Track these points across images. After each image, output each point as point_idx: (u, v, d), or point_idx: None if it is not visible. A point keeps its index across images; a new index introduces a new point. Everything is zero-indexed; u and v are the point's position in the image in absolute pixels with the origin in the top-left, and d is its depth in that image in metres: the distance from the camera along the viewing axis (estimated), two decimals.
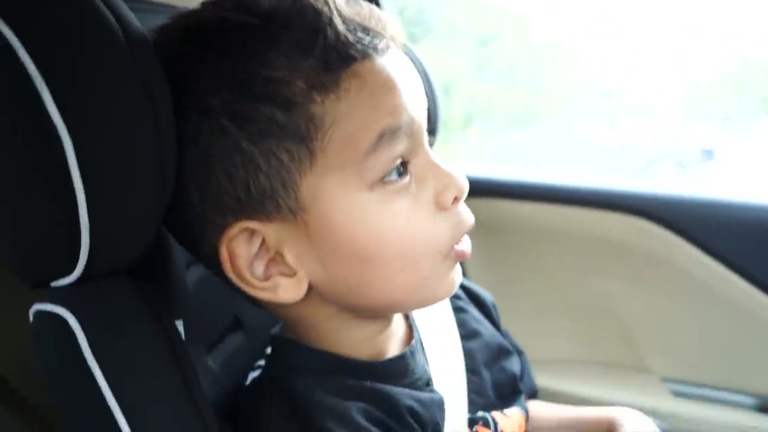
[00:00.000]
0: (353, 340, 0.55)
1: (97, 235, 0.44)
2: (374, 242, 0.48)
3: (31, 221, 0.45)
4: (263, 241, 0.49)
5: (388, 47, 0.49)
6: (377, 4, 1.23)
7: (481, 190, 1.18)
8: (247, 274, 0.49)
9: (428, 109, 0.83)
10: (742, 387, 1.05)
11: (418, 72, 0.82)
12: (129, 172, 0.45)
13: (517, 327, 0.90)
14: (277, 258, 0.50)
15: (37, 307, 0.48)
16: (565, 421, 0.74)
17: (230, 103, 0.46)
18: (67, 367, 0.47)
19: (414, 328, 0.63)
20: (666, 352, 1.10)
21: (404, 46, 0.83)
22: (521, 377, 0.72)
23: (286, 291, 0.50)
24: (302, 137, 0.46)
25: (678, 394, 1.08)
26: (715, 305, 1.06)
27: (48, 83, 0.41)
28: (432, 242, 0.49)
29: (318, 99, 0.46)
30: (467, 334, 0.67)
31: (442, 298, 0.54)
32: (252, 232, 0.49)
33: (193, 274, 0.67)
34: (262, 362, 0.62)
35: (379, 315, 0.55)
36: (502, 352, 0.70)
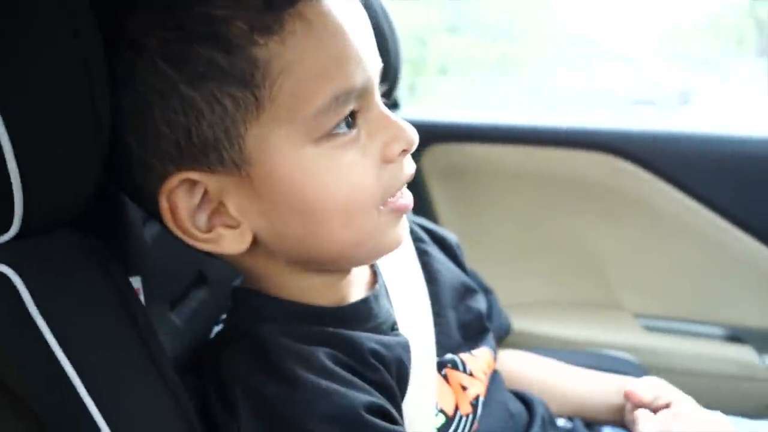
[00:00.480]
0: (312, 288, 0.55)
1: (31, 188, 0.43)
2: (317, 197, 0.48)
3: None
4: (206, 192, 0.48)
5: None
6: None
7: (451, 134, 1.17)
8: (188, 226, 0.48)
9: (390, 58, 0.81)
10: (713, 318, 1.07)
11: (382, 20, 0.80)
12: (59, 118, 0.43)
13: (490, 270, 0.90)
14: (220, 209, 0.49)
15: None
16: (572, 385, 0.75)
17: (166, 43, 0.44)
18: (15, 325, 0.45)
19: (378, 274, 0.62)
20: (638, 288, 1.11)
21: None
22: (490, 316, 0.73)
23: (230, 243, 0.49)
24: (247, 83, 0.44)
25: (651, 329, 1.09)
26: (686, 239, 1.07)
27: None
28: (371, 195, 0.49)
29: (260, 41, 0.44)
30: (431, 276, 0.67)
31: (388, 252, 0.54)
32: (194, 183, 0.47)
33: (152, 229, 0.65)
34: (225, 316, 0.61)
35: (328, 269, 0.55)
36: (466, 292, 0.70)
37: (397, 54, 0.81)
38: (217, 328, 0.62)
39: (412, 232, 0.70)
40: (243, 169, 0.47)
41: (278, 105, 0.45)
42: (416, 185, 1.18)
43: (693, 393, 1.00)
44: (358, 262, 0.56)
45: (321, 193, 0.48)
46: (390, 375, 0.54)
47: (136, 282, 0.58)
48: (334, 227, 0.49)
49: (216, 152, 0.46)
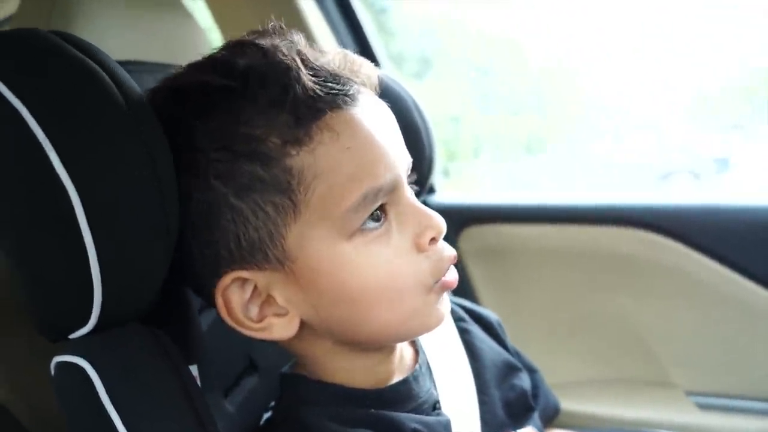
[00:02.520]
0: (355, 370, 0.57)
1: (109, 288, 0.47)
2: (357, 287, 0.52)
3: (44, 277, 0.48)
4: (255, 287, 0.53)
5: (359, 93, 0.52)
6: (367, 48, 1.27)
7: (486, 216, 1.20)
8: (241, 317, 0.53)
9: (424, 150, 0.85)
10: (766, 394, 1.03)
11: (414, 114, 0.85)
12: (136, 227, 0.48)
13: (533, 350, 0.90)
14: (269, 300, 0.53)
15: (58, 359, 0.50)
16: None
17: (215, 162, 0.49)
18: (88, 415, 0.49)
19: (420, 352, 0.64)
20: (687, 364, 1.09)
21: (393, 85, 0.86)
22: (536, 395, 0.73)
23: (279, 330, 0.54)
24: (284, 190, 0.49)
25: (704, 407, 1.06)
26: (732, 312, 1.05)
27: (55, 146, 0.44)
28: (413, 280, 0.52)
29: (293, 152, 0.49)
30: (473, 354, 0.69)
31: (433, 328, 0.56)
32: (244, 280, 0.52)
33: (206, 319, 0.69)
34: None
35: (375, 347, 0.57)
36: (510, 370, 0.71)
37: (431, 145, 0.86)
38: (266, 415, 0.64)
39: (453, 312, 0.72)
40: (286, 266, 0.52)
41: (313, 207, 0.50)
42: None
43: None
44: (403, 339, 0.59)
45: (359, 283, 0.52)
46: None
47: (194, 369, 0.61)
48: (379, 311, 0.53)
49: (262, 252, 0.51)
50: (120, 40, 0.72)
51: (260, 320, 0.53)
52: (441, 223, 0.54)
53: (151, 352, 0.52)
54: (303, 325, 0.54)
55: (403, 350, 0.63)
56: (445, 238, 1.27)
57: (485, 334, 0.74)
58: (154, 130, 0.49)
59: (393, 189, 0.52)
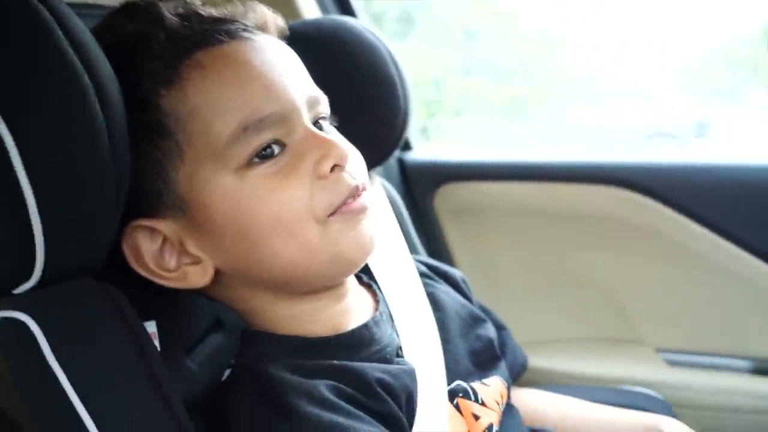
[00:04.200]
0: (306, 316, 0.57)
1: (52, 240, 0.45)
2: (248, 221, 0.52)
3: None
4: (165, 237, 0.54)
5: (240, 32, 0.53)
6: (346, 4, 1.23)
7: (462, 173, 1.18)
8: (152, 266, 0.54)
9: (399, 102, 0.83)
10: (737, 351, 1.04)
11: (390, 67, 0.82)
12: (79, 172, 0.45)
13: (506, 307, 0.90)
14: (183, 250, 0.55)
15: (0, 313, 0.48)
16: (601, 427, 0.74)
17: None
18: (32, 373, 0.47)
19: (381, 301, 0.64)
20: (659, 322, 1.10)
21: (367, 34, 0.83)
22: (504, 352, 0.73)
23: (194, 278, 0.55)
24: (164, 132, 0.51)
25: (674, 363, 1.07)
26: (705, 271, 1.06)
27: None
28: (301, 210, 0.52)
29: (163, 92, 0.51)
30: (437, 305, 0.68)
31: (358, 259, 0.56)
32: (152, 230, 0.53)
33: None
34: None
35: (308, 289, 0.57)
36: (475, 321, 0.71)
37: (405, 97, 0.83)
38: (228, 372, 0.63)
39: (417, 268, 0.72)
40: (184, 210, 0.53)
41: (195, 145, 0.52)
42: (430, 224, 1.20)
43: (719, 428, 0.97)
44: (330, 276, 0.57)
45: (250, 217, 0.52)
46: (398, 405, 0.55)
47: (151, 326, 0.59)
48: (276, 247, 0.53)
49: (159, 199, 0.53)
50: None
51: (176, 270, 0.54)
52: (341, 150, 0.53)
53: (100, 308, 0.50)
54: (224, 273, 0.55)
55: (361, 296, 0.63)
56: (421, 196, 1.25)
57: (450, 288, 0.74)
58: (101, 70, 0.46)
59: (282, 121, 0.52)
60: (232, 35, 0.53)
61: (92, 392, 0.47)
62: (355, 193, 0.54)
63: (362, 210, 0.55)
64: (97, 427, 0.46)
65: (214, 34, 0.52)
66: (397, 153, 1.21)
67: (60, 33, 0.45)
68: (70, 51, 0.45)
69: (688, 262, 1.07)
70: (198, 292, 0.58)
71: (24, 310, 0.47)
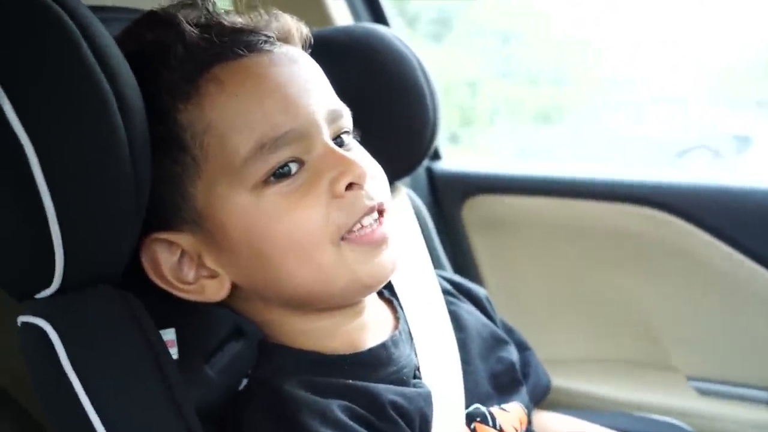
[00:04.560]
0: (322, 333, 0.57)
1: (72, 246, 0.45)
2: (262, 240, 0.52)
3: (4, 237, 0.45)
4: (183, 250, 0.54)
5: (260, 44, 0.52)
6: (377, 7, 1.22)
7: (492, 185, 1.17)
8: (170, 279, 0.54)
9: (428, 113, 0.82)
10: None
11: (419, 76, 0.81)
12: (99, 182, 0.45)
13: (530, 324, 0.88)
14: (201, 263, 0.54)
15: (21, 318, 0.49)
16: None
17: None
18: (49, 377, 0.48)
19: (401, 319, 0.63)
20: (690, 348, 1.06)
21: (398, 44, 0.82)
22: (526, 374, 0.71)
23: (211, 292, 0.55)
24: (182, 147, 0.51)
25: (704, 393, 1.04)
26: (739, 298, 1.02)
27: (9, 95, 0.41)
28: (317, 231, 0.51)
29: (180, 106, 0.50)
30: (459, 325, 0.67)
31: (372, 285, 0.56)
32: (170, 243, 0.53)
33: None
34: None
35: (324, 307, 0.56)
36: (497, 343, 0.69)
37: (435, 109, 0.82)
38: (245, 381, 0.63)
39: (440, 286, 0.71)
40: (202, 225, 0.53)
41: (212, 161, 0.51)
42: (457, 236, 1.18)
43: None
44: (346, 297, 0.56)
45: (265, 236, 0.52)
46: (412, 429, 0.54)
47: (170, 334, 0.60)
48: (291, 267, 0.52)
49: (178, 213, 0.53)
50: None
51: (194, 283, 0.54)
52: (359, 169, 0.52)
53: (116, 315, 0.50)
54: (241, 288, 0.55)
55: (380, 312, 0.62)
56: (449, 207, 1.23)
57: (473, 307, 0.72)
58: (124, 81, 0.46)
59: (301, 138, 0.51)
60: (252, 48, 0.52)
61: (105, 399, 0.47)
62: (370, 212, 0.53)
63: (383, 241, 0.54)
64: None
65: (232, 47, 0.52)
66: (425, 162, 1.20)
67: (83, 41, 0.44)
68: (92, 59, 0.44)
69: (722, 288, 1.03)
70: (218, 303, 0.58)
71: (43, 315, 0.47)
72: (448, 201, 1.16)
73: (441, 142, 1.27)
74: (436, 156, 1.21)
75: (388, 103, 0.79)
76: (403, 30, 1.33)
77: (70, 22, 0.44)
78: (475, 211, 1.17)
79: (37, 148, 0.42)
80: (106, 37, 0.47)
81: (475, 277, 1.16)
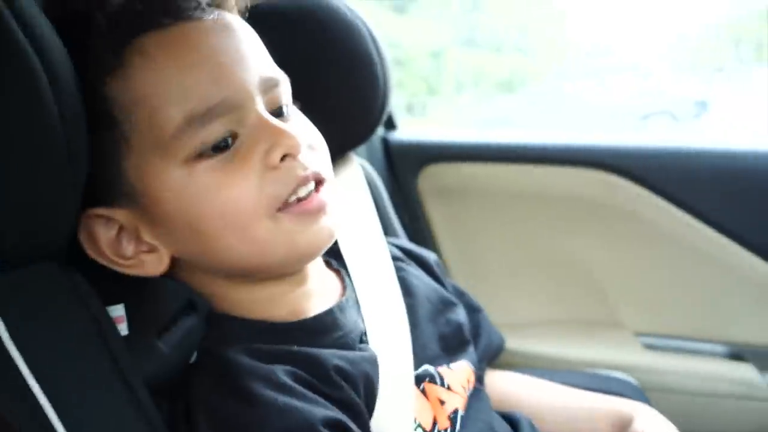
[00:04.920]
0: (268, 301, 0.57)
1: (7, 226, 0.45)
2: (197, 215, 0.51)
3: None
4: (122, 225, 0.53)
5: (188, 12, 0.50)
6: None
7: (447, 154, 1.17)
8: (108, 253, 0.53)
9: (378, 82, 0.82)
10: (714, 336, 1.05)
11: (370, 46, 0.81)
12: (33, 155, 0.45)
13: (487, 289, 0.90)
14: (140, 237, 0.54)
15: None
16: (573, 411, 0.74)
17: None
18: None
19: (348, 286, 0.64)
20: (639, 306, 1.10)
21: (346, 12, 0.81)
22: (478, 335, 0.73)
23: (151, 266, 0.55)
24: (112, 122, 0.50)
25: (651, 348, 1.07)
26: (686, 256, 1.05)
27: None
28: (251, 204, 0.51)
29: (107, 79, 0.49)
30: (408, 290, 0.68)
31: (311, 253, 0.56)
32: (108, 219, 0.53)
33: None
34: None
35: (265, 277, 0.57)
36: (445, 305, 0.70)
37: (385, 78, 0.82)
38: (195, 354, 0.63)
39: (390, 252, 0.72)
40: (137, 200, 0.52)
41: (142, 135, 0.50)
42: (412, 205, 1.19)
43: (692, 413, 0.97)
44: (286, 266, 0.57)
45: (199, 210, 0.51)
46: (357, 392, 0.55)
47: (119, 310, 0.59)
48: (228, 240, 0.52)
49: (112, 189, 0.52)
50: None
51: (133, 257, 0.54)
52: (292, 139, 0.51)
53: (59, 292, 0.49)
54: (182, 261, 0.55)
55: (326, 281, 0.63)
56: (405, 176, 1.23)
57: (422, 272, 0.73)
58: (52, 52, 0.45)
59: (232, 109, 0.51)
60: (179, 15, 0.50)
61: (50, 376, 0.47)
62: (304, 183, 0.53)
63: (319, 209, 0.53)
64: (57, 413, 0.46)
65: (160, 16, 0.50)
66: (381, 132, 1.20)
67: (7, 11, 0.43)
68: (18, 31, 0.43)
69: (670, 248, 1.06)
70: (165, 276, 0.58)
71: None
72: (404, 170, 1.17)
73: (399, 111, 1.27)
74: (391, 126, 1.21)
75: (338, 73, 0.79)
76: (363, 1, 1.30)
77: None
78: (431, 179, 1.17)
79: None
80: (32, 6, 0.46)
81: (432, 245, 1.17)
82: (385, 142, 1.18)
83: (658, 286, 1.08)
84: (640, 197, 1.04)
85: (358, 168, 0.85)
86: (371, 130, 0.84)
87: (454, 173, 1.16)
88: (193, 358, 0.63)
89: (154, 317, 0.65)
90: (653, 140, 1.10)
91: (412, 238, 0.97)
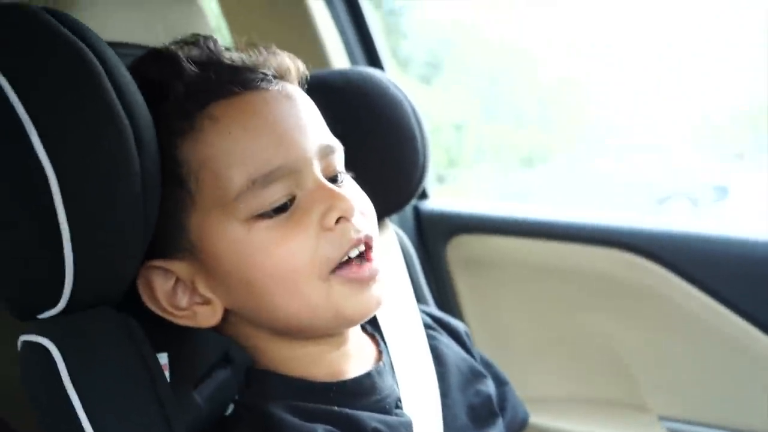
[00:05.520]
0: (308, 359, 0.58)
1: (81, 272, 0.47)
2: (253, 272, 0.54)
3: (16, 257, 0.47)
4: (178, 277, 0.56)
5: (255, 82, 0.54)
6: (372, 49, 1.27)
7: (475, 226, 1.20)
8: (165, 304, 0.56)
9: (419, 157, 0.86)
10: (739, 425, 1.03)
11: (412, 121, 0.85)
12: (113, 213, 0.48)
13: (510, 363, 0.90)
14: (195, 290, 0.57)
15: (24, 338, 0.50)
16: None
17: None
18: (49, 396, 0.49)
19: (384, 350, 0.65)
20: (663, 389, 1.09)
21: (393, 89, 0.86)
22: (504, 408, 0.73)
23: (204, 317, 0.57)
24: (178, 181, 0.53)
25: None
26: (711, 341, 1.05)
27: (36, 125, 0.44)
28: (307, 267, 0.53)
29: (177, 142, 0.53)
30: (438, 359, 0.69)
31: (357, 319, 0.58)
32: (166, 271, 0.56)
33: None
34: None
35: (309, 335, 0.58)
36: (475, 376, 0.71)
37: (425, 153, 0.86)
38: (231, 407, 0.64)
39: (422, 319, 0.73)
40: (196, 254, 0.55)
41: (206, 196, 0.54)
42: (440, 275, 1.21)
43: None
44: (327, 330, 0.59)
45: (255, 266, 0.54)
46: None
47: (163, 358, 0.61)
48: (279, 299, 0.55)
49: (173, 243, 0.55)
50: (124, 22, 0.72)
51: (187, 308, 0.56)
52: (347, 202, 0.54)
53: (117, 337, 0.51)
54: (231, 313, 0.57)
55: (363, 344, 0.64)
56: (434, 245, 1.26)
57: (452, 341, 0.74)
58: (140, 116, 0.49)
59: (291, 174, 0.53)
60: (248, 85, 0.54)
61: (101, 418, 0.48)
62: (357, 245, 0.55)
63: (371, 277, 0.56)
64: None
65: (229, 85, 0.54)
66: (413, 201, 1.23)
67: (105, 76, 0.48)
68: (113, 94, 0.47)
69: (695, 331, 1.06)
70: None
71: (47, 335, 0.49)
72: (433, 239, 1.19)
73: (428, 181, 1.31)
74: (423, 195, 1.25)
75: (381, 145, 0.82)
76: (395, 71, 1.37)
77: (93, 57, 0.47)
78: (459, 250, 1.20)
79: (59, 177, 0.44)
80: (124, 73, 0.50)
81: (457, 314, 1.18)
82: (417, 211, 1.21)
83: (683, 369, 1.07)
84: (665, 280, 1.05)
85: (394, 234, 0.88)
86: (409, 199, 0.88)
87: (481, 245, 1.18)
88: (228, 411, 0.64)
89: (191, 368, 0.67)
90: (679, 224, 1.12)
91: (438, 306, 0.99)
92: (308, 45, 1.15)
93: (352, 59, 1.23)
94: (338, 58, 1.19)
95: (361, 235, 0.55)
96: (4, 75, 0.44)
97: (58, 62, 0.46)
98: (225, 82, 0.54)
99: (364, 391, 0.59)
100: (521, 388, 0.79)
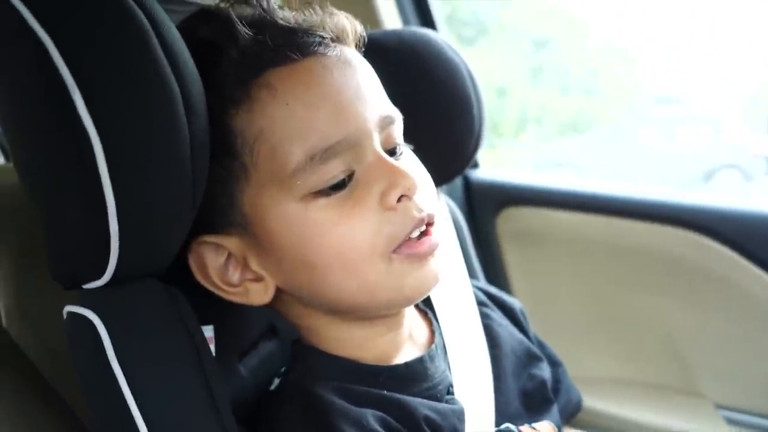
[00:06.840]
0: (356, 342, 0.56)
1: (126, 243, 0.45)
2: (311, 251, 0.51)
3: (63, 227, 0.46)
4: (230, 253, 0.54)
5: (314, 47, 0.51)
6: (425, 7, 1.21)
7: (528, 197, 1.15)
8: (216, 280, 0.54)
9: (475, 124, 0.81)
10: None
11: (469, 88, 0.80)
12: (160, 181, 0.45)
13: (559, 341, 0.87)
14: (247, 266, 0.54)
15: (69, 308, 0.49)
16: None
17: None
18: (93, 367, 0.48)
19: (437, 333, 0.63)
20: (721, 376, 1.04)
21: (449, 52, 0.81)
22: (557, 390, 0.70)
23: (256, 295, 0.55)
24: (232, 152, 0.50)
25: (733, 422, 1.01)
26: None
27: (81, 88, 0.41)
28: (366, 246, 0.50)
29: (231, 111, 0.50)
30: (493, 340, 0.67)
31: (416, 297, 0.55)
32: (218, 246, 0.53)
33: None
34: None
35: (362, 316, 0.56)
36: (530, 359, 0.69)
37: (481, 119, 0.81)
38: (276, 381, 0.63)
39: (475, 296, 0.70)
40: (248, 229, 0.52)
41: (261, 169, 0.50)
42: (489, 247, 1.17)
43: None
44: (387, 308, 0.56)
45: (312, 245, 0.51)
46: None
47: (208, 331, 0.60)
48: (337, 278, 0.52)
49: (225, 216, 0.52)
50: None
51: (238, 285, 0.54)
52: (409, 181, 0.51)
53: (162, 310, 0.50)
54: (283, 291, 0.55)
55: (415, 326, 0.62)
56: (483, 216, 1.22)
57: (507, 320, 0.71)
58: (190, 80, 0.46)
59: (351, 147, 0.50)
60: (305, 51, 0.51)
61: (146, 393, 0.47)
62: (419, 225, 0.52)
63: (430, 252, 0.53)
64: (146, 423, 0.47)
65: (286, 51, 0.50)
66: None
67: (153, 36, 0.44)
68: (162, 55, 0.44)
69: (758, 317, 1.01)
70: None
71: (91, 306, 0.48)
72: (483, 211, 1.15)
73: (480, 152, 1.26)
74: (475, 165, 1.20)
75: (436, 110, 0.78)
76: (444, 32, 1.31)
77: (142, 15, 0.44)
78: (510, 222, 1.15)
79: (104, 143, 0.42)
80: (174, 33, 0.46)
81: (506, 288, 1.14)
82: (466, 180, 1.17)
83: (745, 358, 1.02)
84: (729, 261, 1.00)
85: (445, 205, 0.84)
86: (462, 168, 0.84)
87: (534, 218, 1.13)
88: (273, 386, 0.63)
89: (236, 340, 0.66)
90: (744, 203, 1.06)
91: (487, 280, 0.95)
92: (359, 4, 1.09)
93: (405, 20, 1.17)
94: (390, 18, 1.13)
95: (424, 215, 0.52)
96: (49, 34, 0.41)
97: (104, 20, 0.43)
98: (281, 46, 0.50)
99: (416, 377, 0.57)
100: (570, 368, 0.76)
